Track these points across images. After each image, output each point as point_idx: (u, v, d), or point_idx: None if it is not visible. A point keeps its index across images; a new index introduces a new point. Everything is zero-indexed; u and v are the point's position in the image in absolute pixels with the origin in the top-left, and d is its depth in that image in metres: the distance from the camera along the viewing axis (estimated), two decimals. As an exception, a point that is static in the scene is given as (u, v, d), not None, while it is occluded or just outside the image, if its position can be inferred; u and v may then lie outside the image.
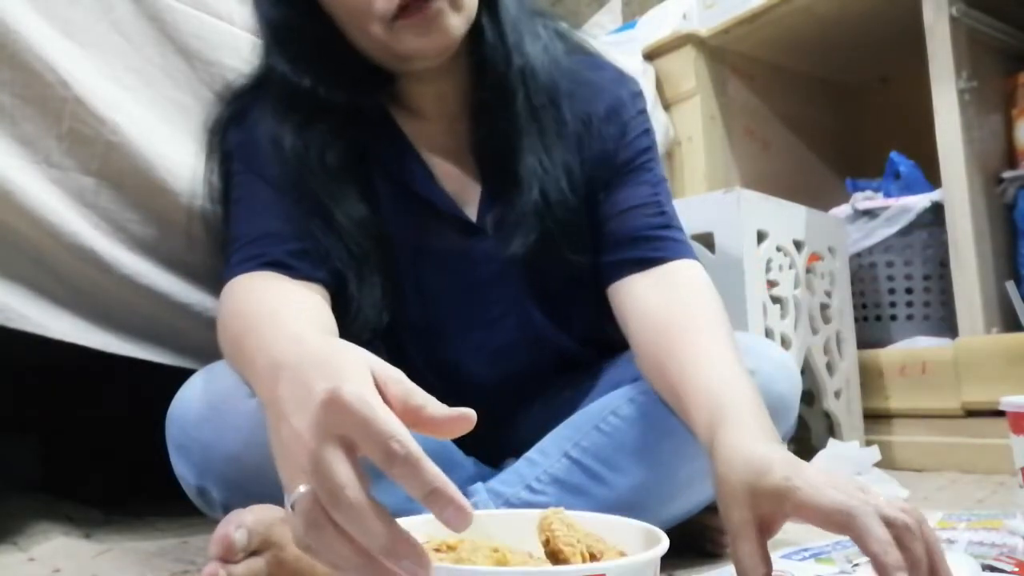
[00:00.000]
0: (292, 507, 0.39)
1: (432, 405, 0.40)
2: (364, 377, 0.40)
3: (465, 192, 0.82)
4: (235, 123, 0.81)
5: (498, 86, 0.78)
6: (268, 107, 0.78)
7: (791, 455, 0.50)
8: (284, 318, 0.61)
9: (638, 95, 0.87)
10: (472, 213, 0.81)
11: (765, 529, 0.48)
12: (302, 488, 0.38)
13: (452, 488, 0.36)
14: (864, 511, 0.44)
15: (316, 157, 0.75)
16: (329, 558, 0.38)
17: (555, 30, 0.85)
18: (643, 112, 0.86)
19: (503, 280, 0.80)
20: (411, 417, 0.39)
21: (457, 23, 0.72)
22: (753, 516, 0.48)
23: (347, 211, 0.75)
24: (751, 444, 0.51)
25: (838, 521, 0.44)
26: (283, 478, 0.41)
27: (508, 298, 0.82)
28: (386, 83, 0.79)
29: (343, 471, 0.37)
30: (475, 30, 0.76)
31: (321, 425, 0.38)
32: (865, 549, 0.43)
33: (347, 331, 0.70)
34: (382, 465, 0.37)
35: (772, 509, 0.48)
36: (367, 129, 0.80)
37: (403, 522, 0.39)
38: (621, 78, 0.87)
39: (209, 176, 0.84)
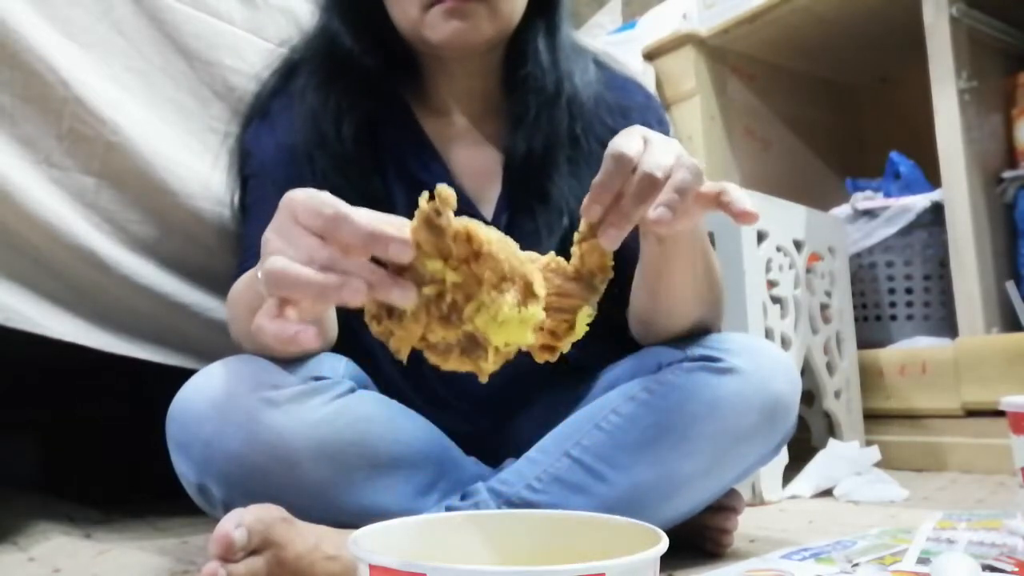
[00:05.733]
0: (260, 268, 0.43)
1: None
2: None
3: (482, 191, 0.83)
4: (257, 120, 0.84)
5: (545, 107, 0.81)
6: (290, 103, 0.81)
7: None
8: None
9: (661, 122, 0.90)
10: (488, 212, 0.82)
11: None
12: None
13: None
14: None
15: (332, 121, 0.78)
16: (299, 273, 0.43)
17: (594, 60, 0.89)
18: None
19: None
20: None
21: (487, 27, 0.77)
22: None
23: (357, 184, 0.77)
24: None
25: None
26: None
27: None
28: (414, 68, 0.82)
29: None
30: (527, 47, 0.80)
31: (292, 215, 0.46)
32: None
33: (354, 331, 0.71)
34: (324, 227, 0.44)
35: None
36: (387, 124, 0.82)
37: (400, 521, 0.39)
38: (647, 105, 0.90)
39: (232, 180, 0.86)
